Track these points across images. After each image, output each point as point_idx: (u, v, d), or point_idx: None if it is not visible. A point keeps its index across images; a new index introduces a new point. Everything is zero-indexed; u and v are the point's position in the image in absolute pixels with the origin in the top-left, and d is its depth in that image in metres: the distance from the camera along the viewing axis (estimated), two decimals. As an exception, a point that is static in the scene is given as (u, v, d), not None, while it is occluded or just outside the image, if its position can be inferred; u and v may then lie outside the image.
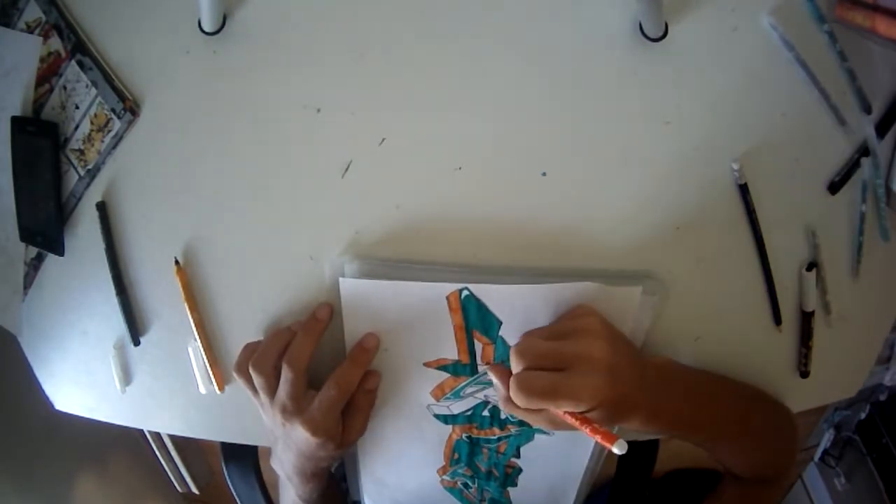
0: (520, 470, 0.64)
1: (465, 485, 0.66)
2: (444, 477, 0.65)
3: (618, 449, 0.42)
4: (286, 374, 0.51)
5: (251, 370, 0.52)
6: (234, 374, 0.55)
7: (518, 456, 0.63)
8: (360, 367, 0.54)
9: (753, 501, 0.61)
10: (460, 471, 0.64)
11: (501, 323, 0.53)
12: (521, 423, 0.60)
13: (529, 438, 0.61)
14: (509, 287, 0.51)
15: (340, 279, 0.52)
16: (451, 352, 0.55)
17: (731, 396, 0.57)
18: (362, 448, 0.63)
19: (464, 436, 0.61)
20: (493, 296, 0.51)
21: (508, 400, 0.47)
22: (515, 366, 0.46)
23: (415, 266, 0.52)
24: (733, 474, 0.61)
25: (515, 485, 0.65)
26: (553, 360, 0.46)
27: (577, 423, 0.45)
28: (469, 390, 0.58)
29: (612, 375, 0.45)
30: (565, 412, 0.45)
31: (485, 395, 0.58)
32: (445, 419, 0.60)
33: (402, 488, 0.66)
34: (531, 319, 0.52)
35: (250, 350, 0.55)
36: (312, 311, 0.54)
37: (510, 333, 0.53)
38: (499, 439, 0.61)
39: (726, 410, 0.56)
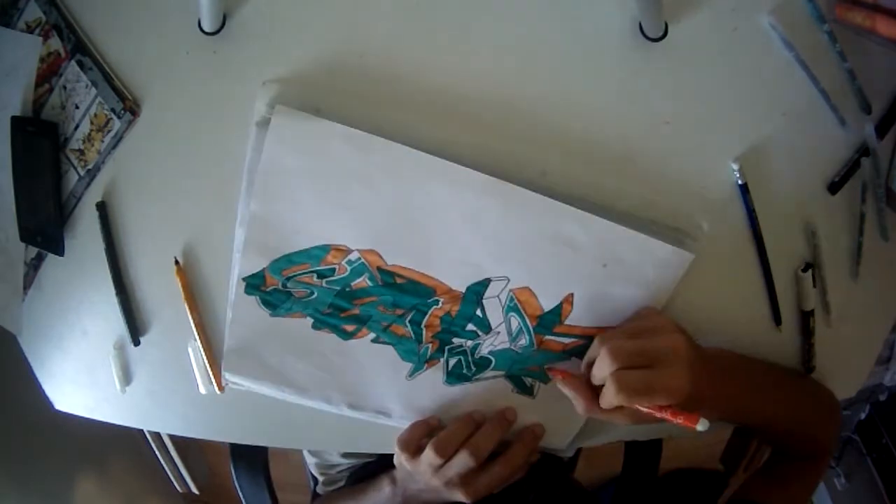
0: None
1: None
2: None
3: (701, 426, 0.44)
4: (466, 460, 0.55)
5: (432, 451, 0.55)
6: (397, 447, 0.58)
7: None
8: (527, 450, 0.59)
9: (804, 476, 0.63)
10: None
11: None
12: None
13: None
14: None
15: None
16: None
17: (781, 381, 0.60)
18: None
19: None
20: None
21: (588, 405, 0.50)
22: (607, 366, 0.47)
23: None
24: (783, 453, 0.64)
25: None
26: (643, 357, 0.48)
27: (659, 413, 0.47)
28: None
29: (692, 369, 0.48)
30: (649, 406, 0.47)
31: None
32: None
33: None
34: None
35: (423, 429, 0.59)
36: (502, 411, 0.59)
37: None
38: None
39: (777, 395, 0.58)
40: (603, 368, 0.48)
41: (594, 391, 0.50)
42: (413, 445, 0.57)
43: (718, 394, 0.51)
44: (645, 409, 0.47)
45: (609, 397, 0.47)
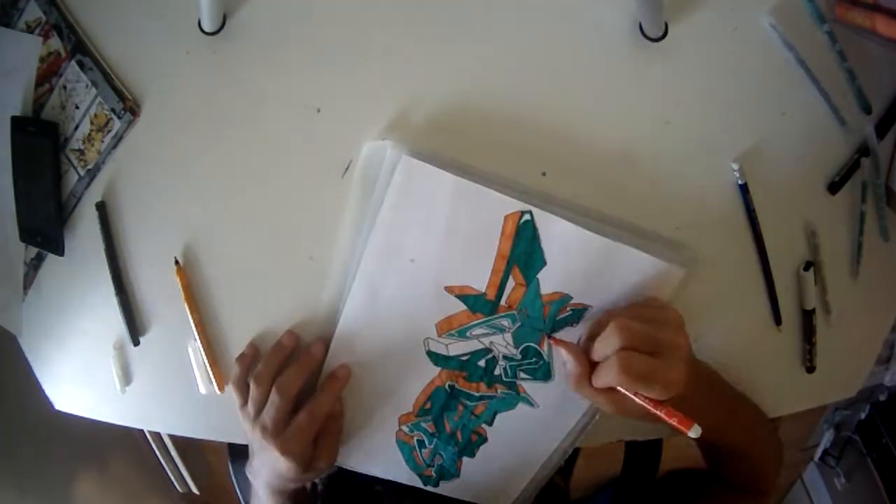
0: (484, 440, 0.58)
1: (421, 443, 0.59)
2: (403, 427, 0.59)
3: (693, 433, 0.42)
4: (273, 398, 0.53)
5: (252, 382, 0.54)
6: (230, 386, 0.57)
7: (491, 423, 0.57)
8: (331, 397, 0.56)
9: None
10: (423, 424, 0.58)
11: (546, 265, 0.49)
12: (511, 387, 0.55)
13: (511, 406, 0.56)
14: (574, 227, 0.48)
15: (404, 155, 0.47)
16: (480, 282, 0.51)
17: (747, 411, 0.60)
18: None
19: (447, 384, 0.56)
20: (553, 231, 0.48)
21: (581, 377, 0.47)
22: (614, 342, 0.45)
23: (478, 172, 0.49)
24: (728, 485, 0.63)
25: (473, 455, 0.59)
26: (650, 344, 0.45)
27: (653, 408, 0.45)
28: (477, 332, 0.53)
29: (690, 369, 0.46)
30: (644, 396, 0.45)
31: (490, 342, 0.53)
32: (437, 360, 0.55)
33: (352, 424, 0.59)
34: (573, 270, 0.49)
35: (246, 363, 0.57)
36: (308, 346, 0.56)
37: (548, 279, 0.50)
38: (480, 398, 0.56)
39: (742, 421, 0.59)
40: (609, 344, 0.45)
41: (590, 366, 0.48)
42: (242, 381, 0.56)
43: (699, 404, 0.50)
44: (639, 401, 0.45)
45: (607, 376, 0.45)
